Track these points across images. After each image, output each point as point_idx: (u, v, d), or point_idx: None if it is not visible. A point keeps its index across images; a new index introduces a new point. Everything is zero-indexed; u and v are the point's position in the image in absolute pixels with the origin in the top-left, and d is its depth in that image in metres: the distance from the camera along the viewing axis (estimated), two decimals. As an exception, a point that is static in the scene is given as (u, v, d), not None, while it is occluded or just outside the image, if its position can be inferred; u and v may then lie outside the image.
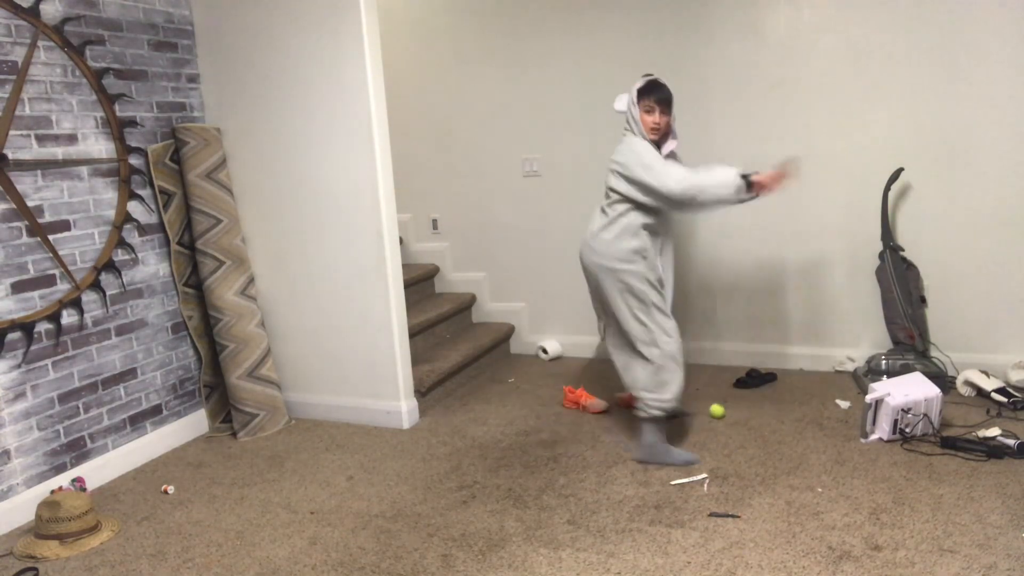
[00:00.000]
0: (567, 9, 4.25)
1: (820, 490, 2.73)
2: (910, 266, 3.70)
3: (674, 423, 3.33)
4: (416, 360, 3.99)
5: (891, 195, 3.72)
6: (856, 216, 3.85)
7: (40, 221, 2.99)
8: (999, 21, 3.44)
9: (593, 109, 4.30)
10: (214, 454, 3.48)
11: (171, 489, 3.10)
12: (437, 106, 4.72)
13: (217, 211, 3.60)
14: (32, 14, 2.92)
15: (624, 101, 3.07)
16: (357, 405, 3.72)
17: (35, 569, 2.56)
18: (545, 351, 4.64)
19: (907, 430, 3.07)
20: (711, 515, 2.60)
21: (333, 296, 3.66)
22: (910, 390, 3.07)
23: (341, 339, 3.69)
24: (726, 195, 2.84)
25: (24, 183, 2.93)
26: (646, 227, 2.98)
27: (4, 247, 2.87)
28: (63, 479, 3.07)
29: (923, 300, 3.73)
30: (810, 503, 2.64)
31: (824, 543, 2.38)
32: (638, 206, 2.96)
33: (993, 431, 3.00)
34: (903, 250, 3.73)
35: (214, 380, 3.76)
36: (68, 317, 3.11)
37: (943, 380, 3.43)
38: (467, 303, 4.78)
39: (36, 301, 2.99)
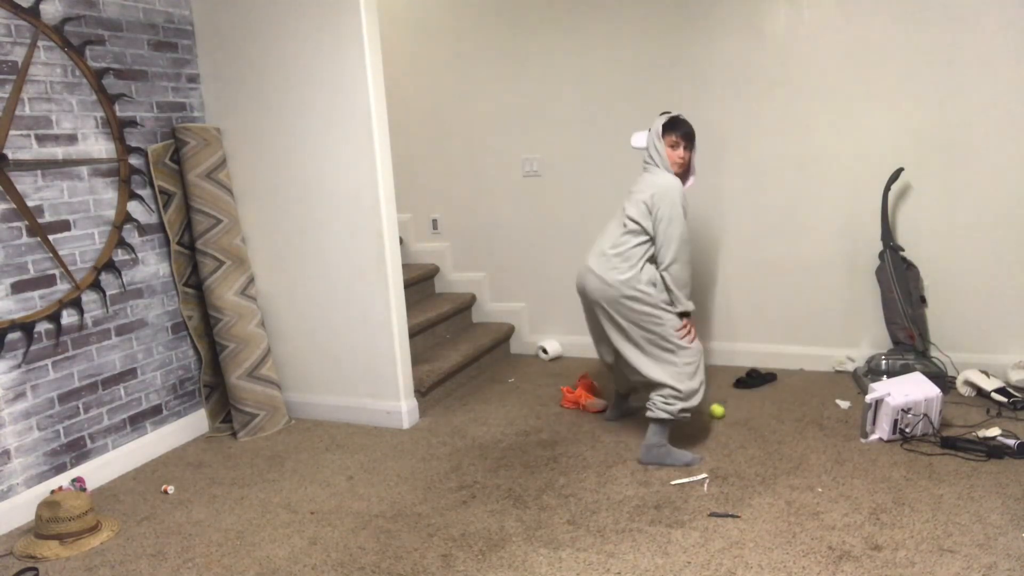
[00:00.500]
0: (567, 9, 4.25)
1: (820, 490, 2.73)
2: (910, 266, 3.70)
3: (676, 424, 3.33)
4: (416, 360, 3.99)
5: (891, 195, 3.72)
6: (856, 216, 3.85)
7: (40, 221, 2.99)
8: (999, 21, 3.44)
9: (593, 109, 4.30)
10: (214, 454, 3.48)
11: (171, 489, 3.10)
12: (437, 106, 4.72)
13: (217, 211, 3.60)
14: (32, 14, 2.92)
15: (643, 138, 3.15)
16: (357, 405, 3.72)
17: (35, 569, 2.56)
18: (545, 351, 4.64)
19: (907, 430, 3.07)
20: (711, 515, 2.60)
21: (333, 296, 3.66)
22: (910, 390, 3.07)
23: (341, 339, 3.70)
24: (684, 304, 3.05)
25: (24, 183, 2.93)
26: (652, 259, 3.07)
27: (4, 247, 2.87)
28: (63, 479, 3.07)
29: (923, 300, 3.73)
30: (810, 503, 2.64)
31: (824, 543, 2.38)
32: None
33: (993, 431, 3.00)
34: (903, 250, 3.73)
35: (214, 380, 3.76)
36: (68, 317, 3.11)
37: (943, 380, 3.43)
38: (467, 303, 4.78)
39: (36, 301, 2.99)
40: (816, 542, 2.39)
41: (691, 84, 4.04)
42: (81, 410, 3.17)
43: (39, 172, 2.99)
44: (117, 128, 3.28)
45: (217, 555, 2.58)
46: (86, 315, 3.18)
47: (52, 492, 2.86)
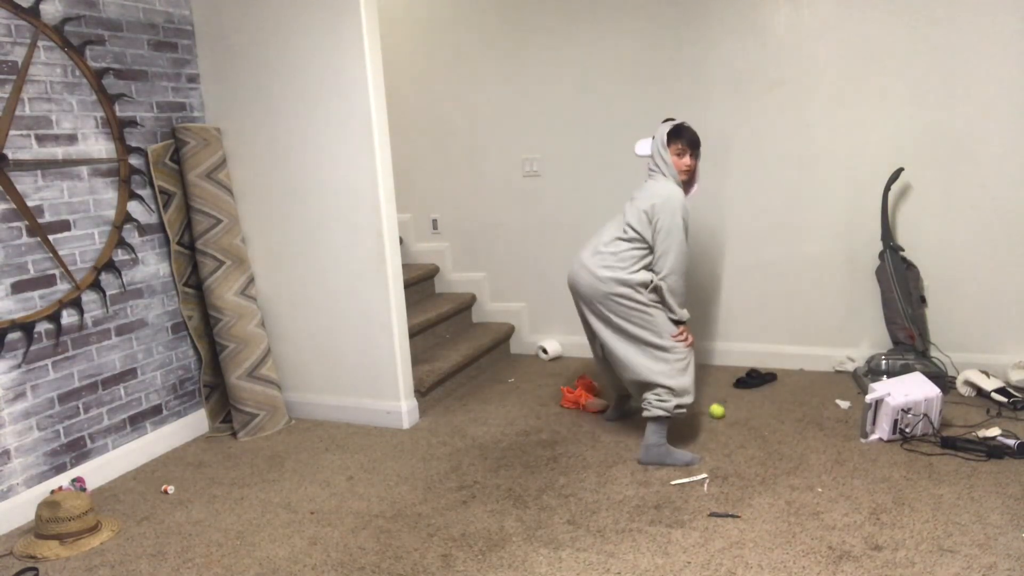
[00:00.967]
0: (567, 9, 4.25)
1: (820, 490, 2.73)
2: (910, 266, 3.70)
3: (674, 423, 3.33)
4: (416, 360, 3.99)
5: (891, 195, 3.72)
6: (856, 216, 3.85)
7: (40, 221, 2.99)
8: (999, 21, 3.44)
9: (593, 109, 4.30)
10: (214, 454, 3.48)
11: (171, 489, 3.10)
12: (437, 106, 4.72)
13: (217, 211, 3.60)
14: (32, 14, 2.92)
15: (647, 146, 3.14)
16: (357, 405, 3.72)
17: (35, 569, 2.56)
18: (545, 351, 4.64)
19: (907, 430, 3.07)
20: (711, 515, 2.60)
21: (333, 296, 3.66)
22: (910, 390, 3.07)
23: (341, 339, 3.70)
24: (679, 313, 3.05)
25: (24, 183, 2.93)
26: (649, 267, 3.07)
27: (4, 247, 2.87)
28: (63, 479, 3.07)
29: (923, 300, 3.73)
30: (810, 503, 2.64)
31: (824, 543, 2.38)
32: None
33: (993, 431, 3.00)
34: (903, 250, 3.73)
35: (214, 380, 3.76)
36: (68, 317, 3.11)
37: (943, 380, 3.43)
38: (467, 303, 4.78)
39: (36, 301, 2.99)
40: (816, 542, 2.39)
41: (691, 84, 4.04)
42: (81, 410, 3.17)
43: (39, 172, 2.99)
44: (117, 128, 3.28)
45: (217, 555, 2.58)
46: (86, 315, 3.18)
47: (52, 492, 2.86)
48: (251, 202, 3.74)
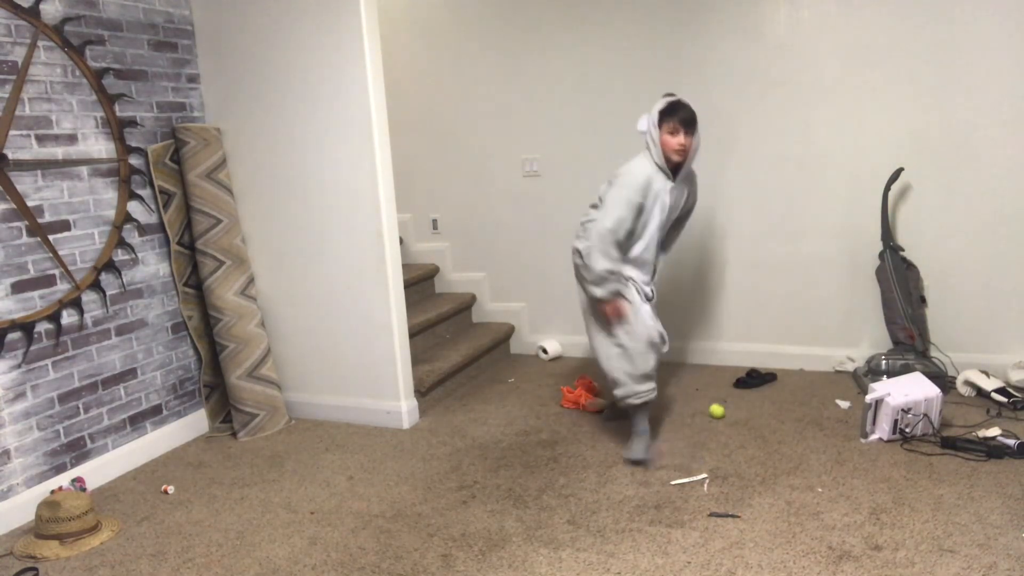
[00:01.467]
0: (567, 8, 4.25)
1: (820, 490, 2.73)
2: (910, 266, 3.70)
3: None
4: (416, 360, 3.99)
5: (891, 195, 3.72)
6: (856, 216, 3.85)
7: (40, 221, 2.99)
8: (999, 21, 3.44)
9: (593, 109, 4.30)
10: (214, 454, 3.48)
11: (171, 489, 3.10)
12: (437, 106, 4.72)
13: (217, 211, 3.60)
14: (32, 14, 2.92)
15: (645, 122, 2.99)
16: (357, 405, 3.72)
17: (35, 569, 2.56)
18: (545, 351, 4.64)
19: (907, 430, 3.07)
20: (711, 515, 2.60)
21: (333, 296, 3.66)
22: (910, 390, 3.07)
23: (341, 339, 3.69)
24: (589, 289, 2.97)
25: (24, 183, 2.93)
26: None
27: (4, 247, 2.87)
28: (63, 479, 3.07)
29: (923, 300, 3.73)
30: (810, 503, 2.64)
31: (824, 543, 2.38)
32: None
33: (993, 431, 3.00)
34: (903, 250, 3.73)
35: (214, 380, 3.76)
36: (68, 317, 3.11)
37: (943, 380, 3.43)
38: (467, 303, 4.78)
39: (36, 301, 2.99)
40: (816, 542, 2.39)
41: (691, 84, 4.03)
42: (81, 410, 3.17)
43: (39, 172, 2.99)
44: (117, 128, 3.28)
45: (217, 555, 2.58)
46: (86, 315, 3.18)
47: (52, 492, 2.86)
48: (251, 202, 3.74)
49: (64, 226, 3.08)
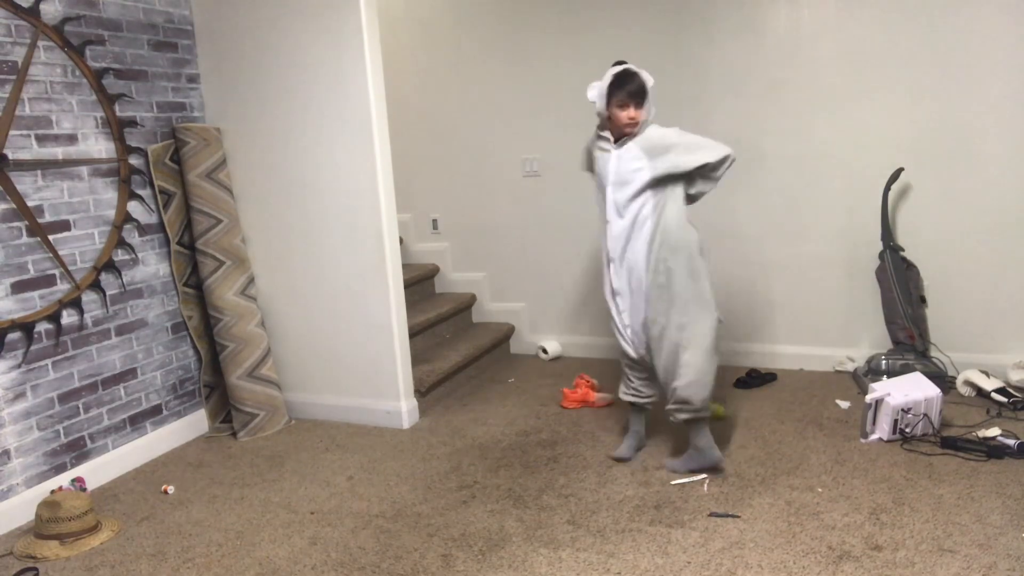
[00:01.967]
0: (568, 8, 4.25)
1: (820, 490, 2.73)
2: (910, 266, 3.70)
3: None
4: (416, 360, 3.99)
5: (891, 195, 3.72)
6: (856, 216, 3.85)
7: (40, 221, 2.99)
8: (999, 21, 3.44)
9: (593, 109, 4.29)
10: (214, 454, 3.48)
11: (171, 489, 3.10)
12: (437, 106, 4.72)
13: (217, 211, 3.60)
14: (32, 14, 2.92)
15: (596, 91, 2.86)
16: (357, 405, 3.72)
17: (35, 569, 2.56)
18: (545, 351, 4.64)
19: (907, 430, 3.06)
20: (711, 515, 2.60)
21: (333, 296, 3.66)
22: (910, 390, 3.07)
23: (341, 339, 3.69)
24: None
25: (24, 183, 2.93)
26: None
27: (4, 247, 2.87)
28: (63, 479, 3.07)
29: (923, 300, 3.73)
30: (810, 503, 2.64)
31: (824, 543, 2.38)
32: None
33: (993, 431, 3.00)
34: (903, 250, 3.73)
35: (214, 380, 3.76)
36: (68, 317, 3.11)
37: (943, 380, 3.42)
38: (467, 303, 4.78)
39: (36, 301, 2.99)
40: (816, 542, 2.39)
41: (691, 84, 4.03)
42: (81, 410, 3.17)
43: (39, 172, 2.98)
44: (117, 128, 3.28)
45: (217, 555, 2.58)
46: (86, 315, 3.18)
47: (52, 492, 2.86)
48: (251, 202, 3.73)
49: (64, 226, 3.08)
